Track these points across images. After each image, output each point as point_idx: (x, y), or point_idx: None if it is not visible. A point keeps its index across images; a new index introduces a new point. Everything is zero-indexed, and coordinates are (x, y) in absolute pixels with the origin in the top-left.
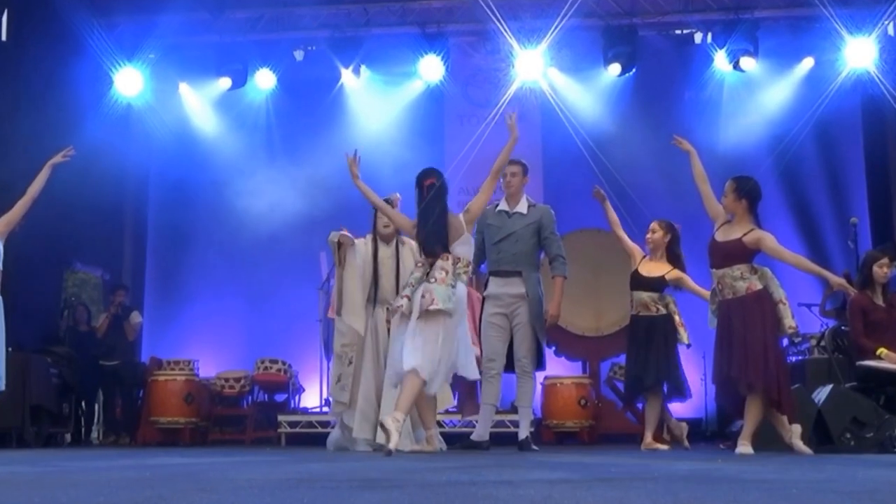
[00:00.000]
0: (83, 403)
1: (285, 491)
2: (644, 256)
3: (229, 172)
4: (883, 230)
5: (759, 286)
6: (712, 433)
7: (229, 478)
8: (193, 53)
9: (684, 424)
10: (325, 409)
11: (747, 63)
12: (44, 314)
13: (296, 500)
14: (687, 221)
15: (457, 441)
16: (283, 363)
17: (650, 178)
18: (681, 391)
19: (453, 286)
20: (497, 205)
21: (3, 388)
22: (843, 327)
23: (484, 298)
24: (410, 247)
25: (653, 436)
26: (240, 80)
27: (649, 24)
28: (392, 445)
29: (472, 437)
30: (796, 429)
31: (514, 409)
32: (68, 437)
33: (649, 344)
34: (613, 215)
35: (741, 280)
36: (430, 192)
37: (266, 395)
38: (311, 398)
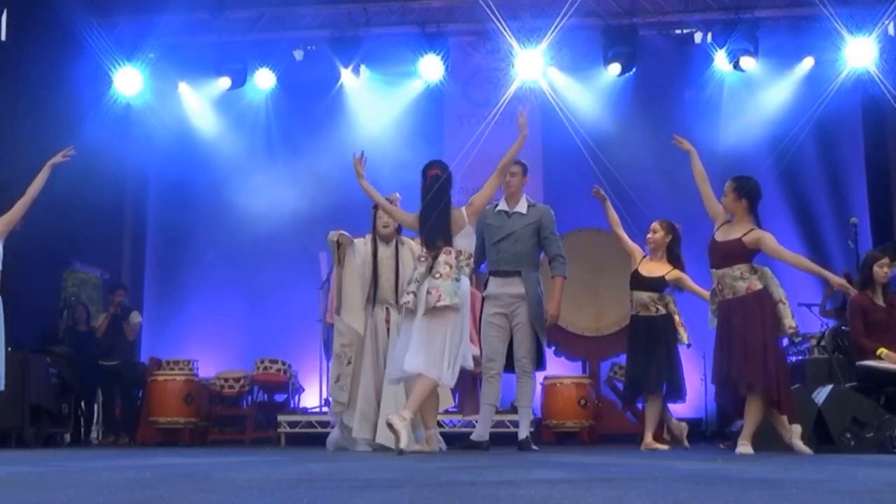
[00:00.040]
0: (83, 403)
1: (285, 491)
2: (644, 256)
3: (229, 172)
4: (883, 230)
5: (759, 286)
6: (712, 433)
7: (229, 478)
8: (193, 53)
9: (684, 424)
10: (325, 409)
11: (747, 63)
12: (43, 314)
13: (295, 500)
14: (687, 221)
15: (457, 441)
16: (283, 363)
17: (650, 177)
18: (679, 392)
19: (458, 280)
20: (497, 205)
21: (2, 387)
22: (843, 327)
23: (484, 298)
24: (410, 247)
25: (653, 436)
26: (239, 80)
27: (649, 23)
28: (403, 445)
29: (472, 437)
30: (796, 429)
31: (513, 409)
32: (68, 437)
33: (649, 344)
34: (614, 215)
35: (741, 280)
36: (434, 185)
37: (266, 395)
38: (310, 398)
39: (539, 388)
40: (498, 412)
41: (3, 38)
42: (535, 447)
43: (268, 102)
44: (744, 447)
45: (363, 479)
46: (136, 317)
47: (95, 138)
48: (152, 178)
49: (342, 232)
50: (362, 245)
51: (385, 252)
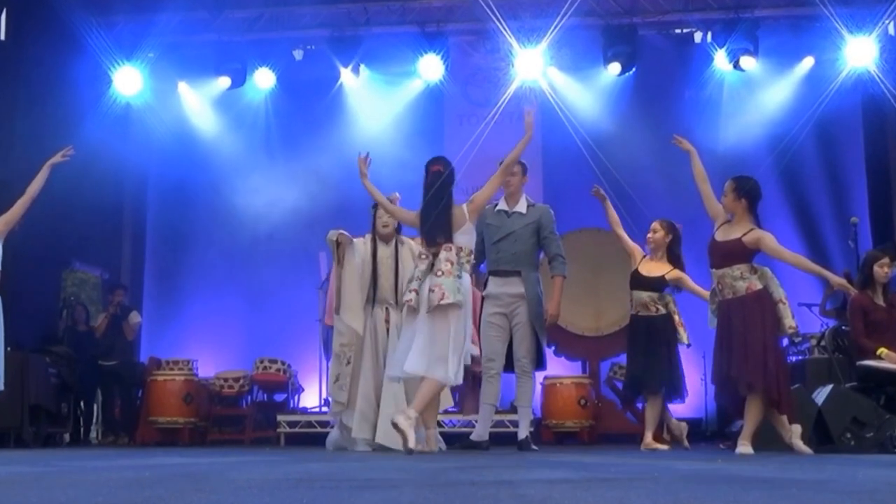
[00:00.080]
0: (82, 403)
1: (284, 491)
2: (644, 256)
3: (228, 172)
4: (883, 230)
5: (759, 286)
6: (712, 433)
7: (228, 478)
8: (192, 52)
9: (684, 424)
10: (325, 408)
11: (747, 62)
12: (43, 314)
13: (295, 500)
14: (687, 221)
15: (456, 441)
16: (283, 363)
17: (650, 177)
18: (678, 392)
19: (459, 276)
20: (496, 204)
21: (1, 387)
22: (843, 327)
23: (483, 298)
24: (410, 246)
25: (653, 436)
26: (239, 80)
27: (649, 23)
28: (411, 444)
29: (472, 436)
30: (796, 429)
31: (513, 409)
32: (67, 436)
33: (649, 344)
34: (614, 214)
35: (741, 280)
36: (436, 181)
37: (265, 395)
38: (310, 398)
39: (539, 387)
40: (498, 412)
41: (3, 37)
42: (534, 447)
43: (267, 102)
44: (744, 447)
45: (363, 479)
46: (135, 317)
47: (95, 138)
48: (152, 178)
49: (341, 231)
50: (362, 245)
51: (385, 252)
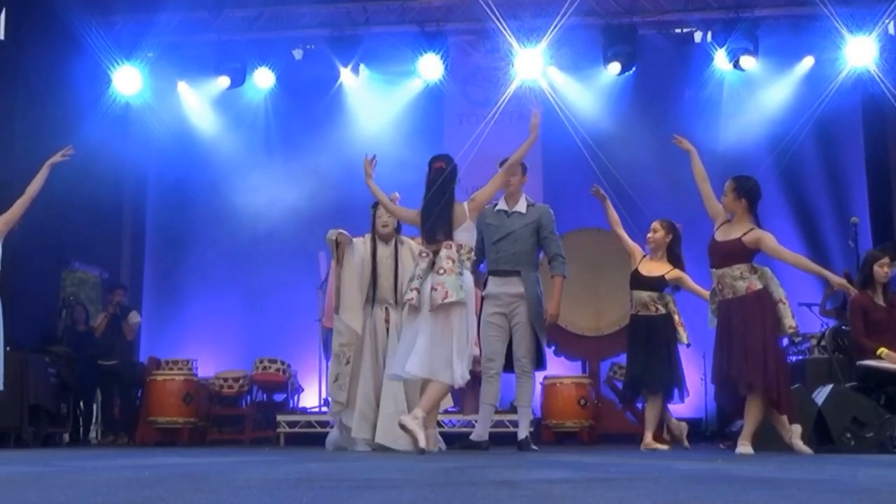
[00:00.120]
0: (81, 403)
1: (284, 491)
2: (644, 256)
3: (228, 171)
4: (883, 229)
5: (758, 286)
6: (712, 433)
7: (228, 478)
8: (192, 52)
9: (684, 424)
10: (324, 408)
11: (747, 62)
12: (42, 314)
13: (295, 500)
14: (687, 221)
15: (456, 441)
16: (282, 363)
17: (650, 177)
18: (679, 392)
19: (461, 274)
20: (496, 204)
21: (1, 387)
22: (843, 327)
23: (483, 298)
24: (409, 246)
25: (653, 436)
26: (238, 79)
27: (649, 22)
28: (423, 444)
29: (472, 436)
30: (796, 429)
31: (513, 409)
32: (66, 436)
33: (649, 344)
34: (614, 214)
35: (741, 280)
36: (437, 178)
37: (265, 395)
38: (309, 398)
39: (539, 387)
40: (497, 412)
41: (2, 36)
42: (534, 447)
43: (267, 102)
44: (744, 447)
45: (362, 479)
46: (134, 316)
47: (94, 137)
48: (151, 178)
49: (341, 231)
50: (361, 244)
51: (384, 251)
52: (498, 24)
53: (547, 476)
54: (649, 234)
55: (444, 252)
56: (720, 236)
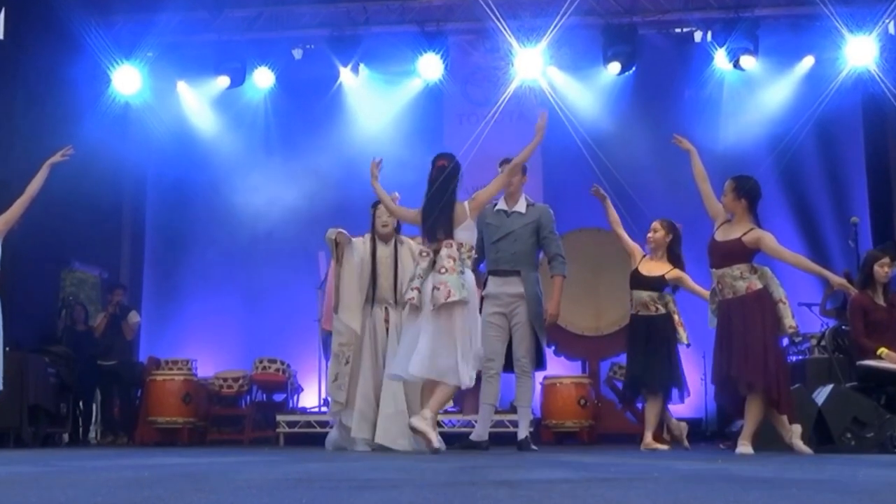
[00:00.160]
0: (81, 403)
1: (284, 491)
2: (644, 255)
3: (227, 171)
4: (883, 229)
5: (758, 286)
6: (712, 433)
7: (228, 478)
8: (192, 52)
9: (684, 424)
10: (324, 408)
11: (747, 62)
12: (42, 314)
13: (294, 500)
14: (687, 221)
15: (456, 441)
16: (282, 363)
17: (650, 177)
18: (680, 392)
19: (462, 273)
20: (496, 204)
21: (0, 387)
22: (843, 327)
23: (483, 298)
24: (409, 246)
25: (653, 436)
26: (238, 79)
27: (649, 22)
28: (436, 444)
29: (472, 436)
30: (796, 429)
31: (513, 409)
32: (66, 436)
33: (649, 344)
34: (614, 214)
35: (741, 279)
36: (439, 176)
37: (264, 395)
38: (309, 398)
39: (539, 387)
40: (497, 412)
41: (1, 36)
42: (534, 447)
43: (266, 101)
44: (744, 447)
45: (362, 479)
46: (134, 316)
47: (94, 137)
48: (151, 177)
49: (340, 230)
50: (361, 244)
51: (384, 251)
52: (498, 23)
53: (547, 476)
54: (649, 234)
55: (444, 251)
56: (720, 236)
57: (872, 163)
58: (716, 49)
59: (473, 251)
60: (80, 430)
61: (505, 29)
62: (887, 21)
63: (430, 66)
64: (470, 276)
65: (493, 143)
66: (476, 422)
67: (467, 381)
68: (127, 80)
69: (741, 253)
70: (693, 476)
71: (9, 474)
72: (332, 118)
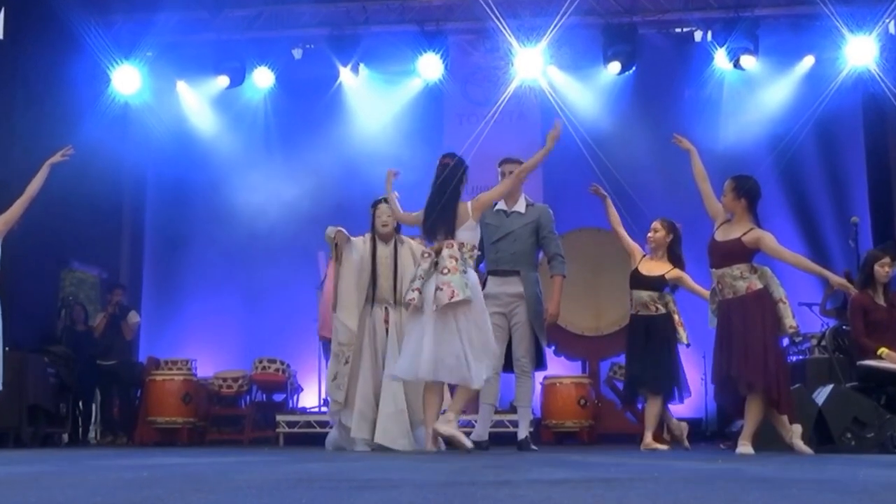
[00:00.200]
0: (80, 403)
1: (284, 491)
2: (644, 255)
3: (227, 171)
4: (884, 229)
5: (759, 285)
6: (712, 433)
7: (227, 478)
8: (191, 51)
9: (684, 424)
10: (324, 408)
11: (747, 61)
12: (41, 314)
13: (294, 500)
14: (687, 221)
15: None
16: (282, 363)
17: (650, 177)
18: (681, 391)
19: (465, 272)
20: (495, 204)
21: (0, 387)
22: (843, 327)
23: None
24: (409, 246)
25: (653, 436)
26: (238, 79)
27: (649, 22)
28: (468, 442)
29: (471, 436)
30: (797, 429)
31: (513, 409)
32: (65, 436)
33: (649, 343)
34: (614, 213)
35: (741, 279)
36: (443, 173)
37: (264, 395)
38: (309, 398)
39: (539, 387)
40: (497, 412)
41: (1, 36)
42: (534, 447)
43: (266, 101)
44: (744, 447)
45: (362, 480)
46: (134, 316)
47: (93, 137)
48: (150, 177)
49: (339, 229)
50: (361, 244)
51: (384, 251)
52: (498, 23)
53: (547, 476)
54: (650, 234)
55: (446, 251)
56: (720, 236)
57: (872, 163)
58: (716, 49)
59: (476, 250)
60: (80, 430)
61: (505, 29)
62: (887, 21)
63: (429, 66)
64: (473, 275)
65: (493, 142)
66: (476, 422)
67: (479, 381)
68: (126, 79)
69: (741, 253)
70: (693, 476)
71: (8, 474)
72: (331, 118)
